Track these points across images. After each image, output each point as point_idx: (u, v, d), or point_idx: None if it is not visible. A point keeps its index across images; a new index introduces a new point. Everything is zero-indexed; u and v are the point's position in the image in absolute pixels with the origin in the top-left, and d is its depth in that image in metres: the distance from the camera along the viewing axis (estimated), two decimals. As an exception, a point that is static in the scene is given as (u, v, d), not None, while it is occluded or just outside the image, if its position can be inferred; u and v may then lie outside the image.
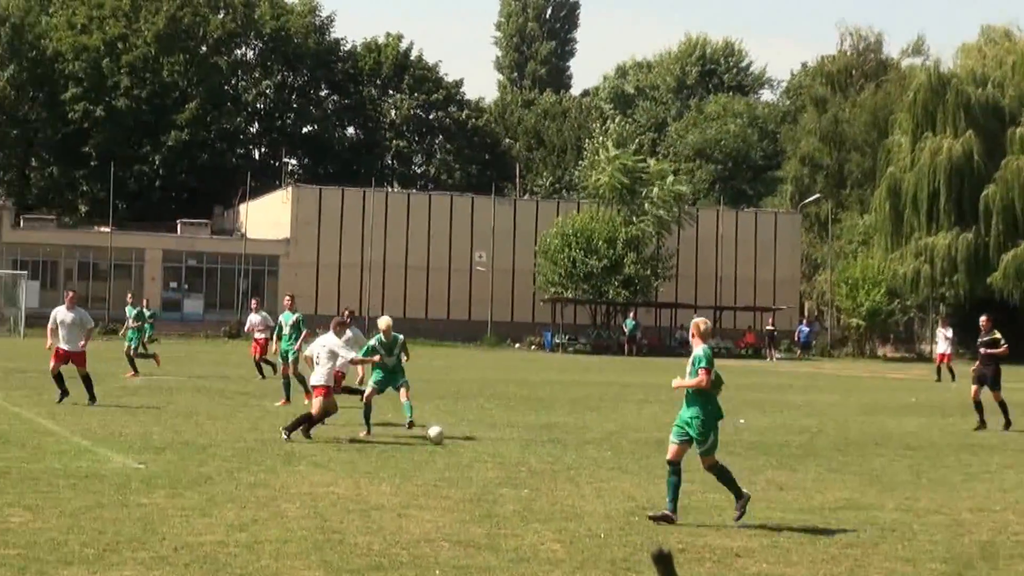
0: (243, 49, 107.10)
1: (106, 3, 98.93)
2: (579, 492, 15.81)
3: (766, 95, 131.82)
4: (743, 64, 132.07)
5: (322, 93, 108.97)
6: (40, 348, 35.55)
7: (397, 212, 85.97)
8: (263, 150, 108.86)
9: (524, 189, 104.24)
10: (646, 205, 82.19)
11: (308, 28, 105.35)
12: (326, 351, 21.07)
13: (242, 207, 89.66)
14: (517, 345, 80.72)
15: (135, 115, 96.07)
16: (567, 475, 17.40)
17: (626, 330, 76.08)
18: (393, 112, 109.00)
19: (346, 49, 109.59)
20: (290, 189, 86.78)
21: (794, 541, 12.87)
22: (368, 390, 22.02)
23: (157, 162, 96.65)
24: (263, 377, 34.52)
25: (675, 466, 13.65)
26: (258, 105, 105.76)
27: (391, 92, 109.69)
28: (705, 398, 13.89)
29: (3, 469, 15.54)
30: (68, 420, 22.10)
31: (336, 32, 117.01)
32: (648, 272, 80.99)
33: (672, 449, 13.78)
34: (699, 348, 14.03)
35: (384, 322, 22.94)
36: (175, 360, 44.96)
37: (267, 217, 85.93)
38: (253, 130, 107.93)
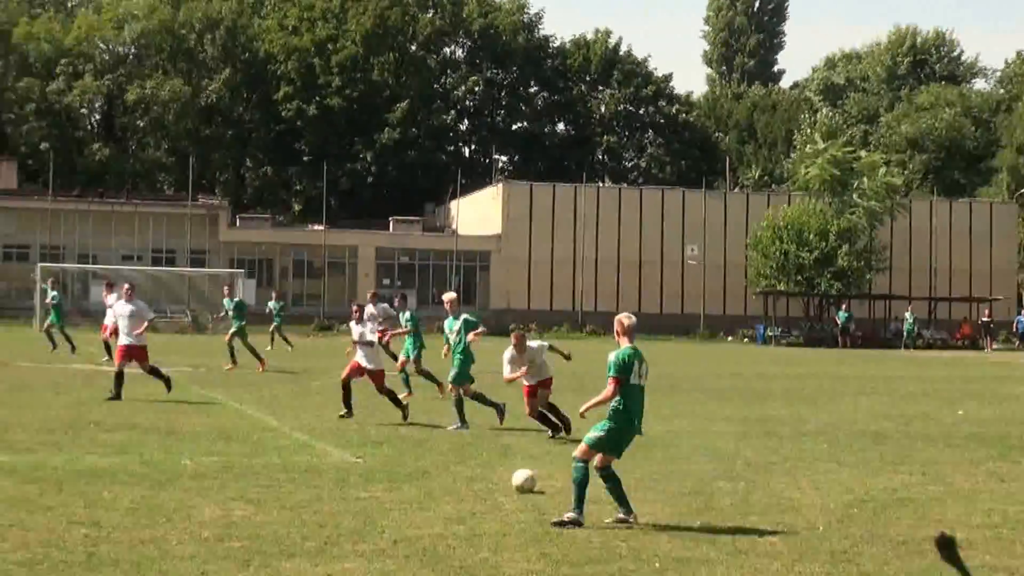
0: (452, 47, 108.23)
1: (316, 5, 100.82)
2: (796, 485, 15.61)
3: (979, 84, 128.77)
4: (955, 54, 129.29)
5: (531, 90, 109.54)
6: (256, 343, 36.39)
7: (608, 207, 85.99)
8: (473, 147, 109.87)
9: (734, 182, 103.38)
10: (855, 196, 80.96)
11: (516, 25, 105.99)
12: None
13: (453, 204, 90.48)
14: (730, 338, 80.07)
15: (347, 114, 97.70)
16: (784, 468, 17.21)
17: (839, 322, 74.81)
18: (603, 108, 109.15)
19: (555, 46, 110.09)
20: (500, 185, 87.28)
21: (1017, 533, 12.61)
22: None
23: (369, 160, 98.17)
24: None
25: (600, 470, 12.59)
26: (467, 102, 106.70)
27: (600, 88, 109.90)
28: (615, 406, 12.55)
29: (226, 464, 15.83)
30: (288, 416, 22.47)
31: (544, 29, 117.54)
32: (861, 264, 79.72)
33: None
34: (616, 351, 12.68)
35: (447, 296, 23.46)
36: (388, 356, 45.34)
37: (478, 214, 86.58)
38: (463, 127, 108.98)
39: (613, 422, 12.47)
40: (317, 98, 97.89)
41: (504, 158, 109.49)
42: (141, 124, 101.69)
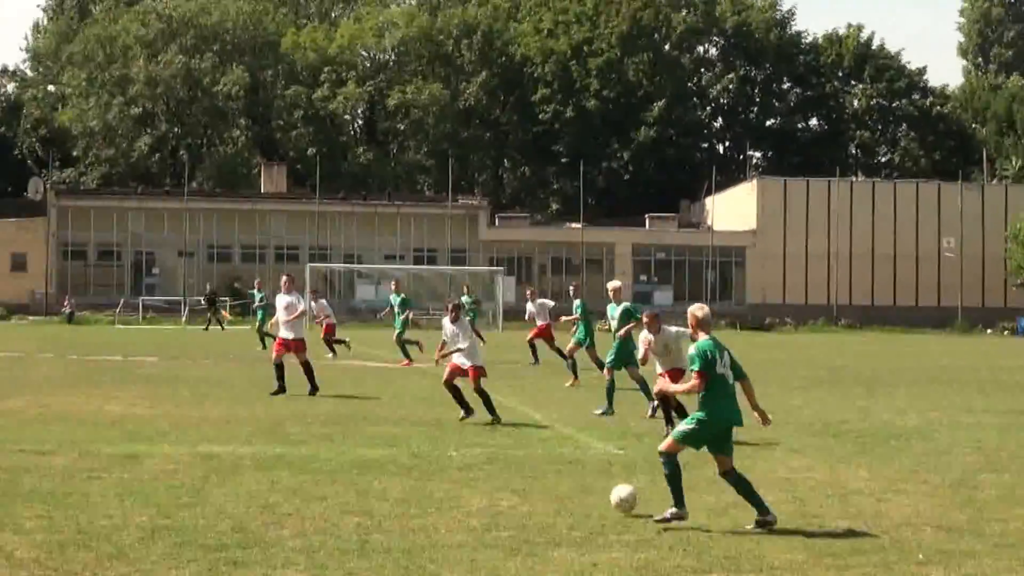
0: (705, 46, 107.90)
1: (570, 8, 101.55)
2: (1066, 478, 15.24)
3: None
4: None
5: (784, 86, 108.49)
6: (515, 340, 36.98)
7: (862, 201, 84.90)
8: (727, 144, 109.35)
9: (992, 174, 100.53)
10: None
11: (769, 22, 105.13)
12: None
13: (708, 200, 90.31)
14: (989, 331, 78.09)
15: (603, 114, 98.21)
16: (1050, 460, 16.81)
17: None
18: (855, 102, 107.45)
19: (807, 42, 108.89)
20: (755, 181, 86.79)
21: None
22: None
23: (625, 158, 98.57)
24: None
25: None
26: (721, 100, 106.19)
27: (853, 82, 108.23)
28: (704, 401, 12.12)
29: (491, 455, 16.19)
30: (550, 409, 22.73)
31: (797, 25, 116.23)
32: None
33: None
34: (696, 344, 12.22)
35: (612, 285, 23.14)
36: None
37: (733, 209, 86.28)
38: (717, 124, 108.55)
39: (703, 415, 12.07)
40: (574, 100, 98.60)
41: (758, 154, 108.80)
42: (402, 128, 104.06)
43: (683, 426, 12.30)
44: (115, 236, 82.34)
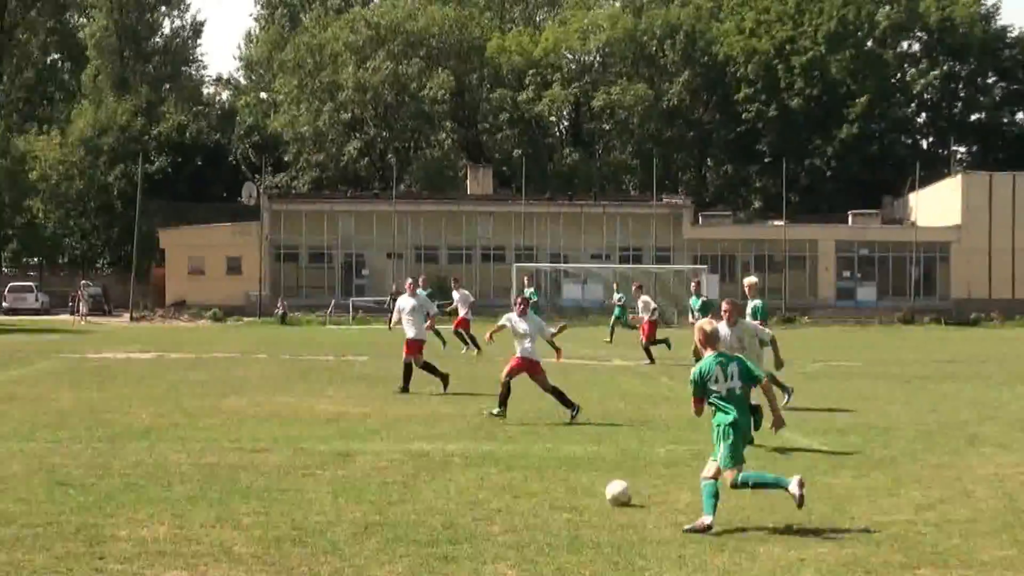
0: (909, 41, 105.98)
1: (771, 8, 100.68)
2: None
3: None
4: None
5: (989, 80, 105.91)
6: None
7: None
8: (931, 139, 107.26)
9: None
10: None
11: (973, 17, 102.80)
12: None
13: (911, 196, 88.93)
14: None
15: (806, 112, 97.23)
16: None
17: None
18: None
19: (1012, 36, 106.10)
20: (959, 176, 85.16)
21: None
22: None
23: (828, 155, 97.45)
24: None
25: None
26: (925, 95, 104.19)
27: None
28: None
29: (696, 452, 16.18)
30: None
31: (1002, 19, 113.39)
32: None
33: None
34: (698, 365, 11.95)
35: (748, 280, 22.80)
36: (850, 347, 45.04)
37: (936, 205, 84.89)
38: (920, 120, 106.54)
39: (726, 436, 11.73)
40: (776, 98, 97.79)
41: (962, 149, 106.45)
42: (607, 128, 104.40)
43: (723, 450, 11.76)
44: (326, 239, 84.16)
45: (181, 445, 16.54)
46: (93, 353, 36.75)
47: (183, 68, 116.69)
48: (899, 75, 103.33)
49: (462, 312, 37.61)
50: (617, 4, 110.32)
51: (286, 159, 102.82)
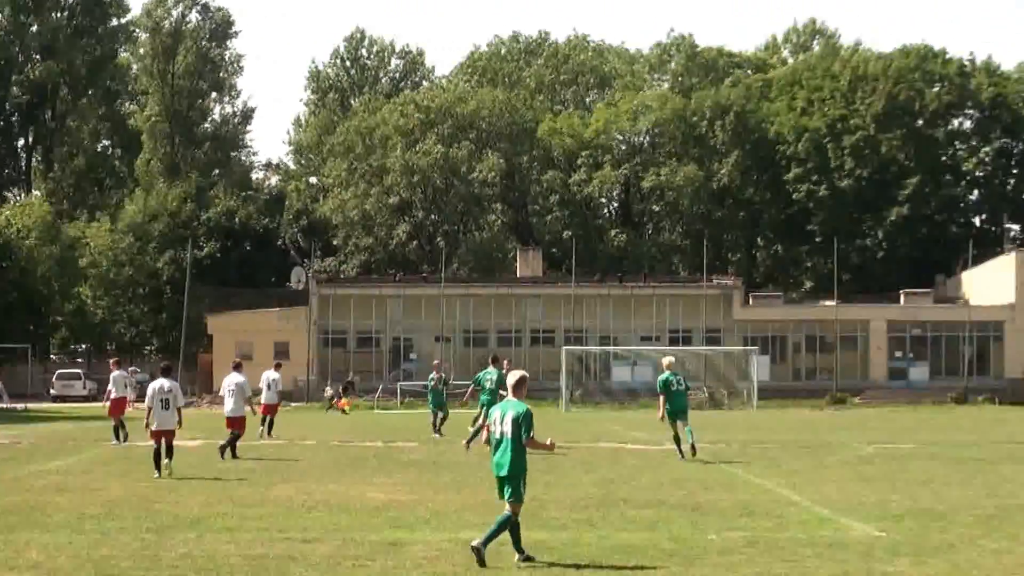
0: (960, 119, 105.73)
1: (824, 86, 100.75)
2: None
3: None
4: None
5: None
6: (771, 418, 36.53)
7: None
8: (983, 217, 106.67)
9: None
10: None
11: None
12: None
13: (964, 275, 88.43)
14: None
15: (856, 192, 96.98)
16: None
17: None
18: None
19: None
20: (1013, 254, 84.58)
21: None
22: None
23: (880, 235, 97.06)
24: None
25: None
26: (977, 173, 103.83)
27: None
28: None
29: (751, 539, 16.16)
30: (808, 490, 22.54)
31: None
32: None
33: None
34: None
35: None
36: (903, 428, 44.60)
37: (990, 283, 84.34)
38: (972, 197, 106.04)
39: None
40: (829, 178, 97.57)
41: (1016, 227, 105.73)
42: (656, 209, 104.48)
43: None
44: (374, 323, 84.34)
45: (230, 536, 16.48)
46: (141, 441, 36.73)
47: (232, 154, 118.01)
48: (951, 152, 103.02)
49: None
50: (666, 85, 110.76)
51: (335, 243, 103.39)
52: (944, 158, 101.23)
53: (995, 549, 15.27)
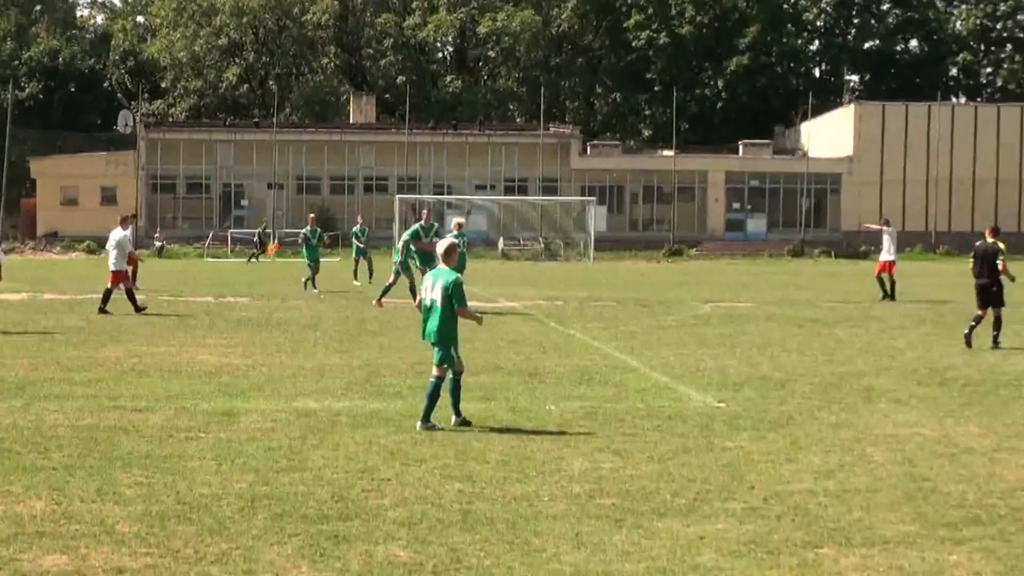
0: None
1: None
2: None
3: None
4: None
5: (883, 7, 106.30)
6: (607, 271, 36.44)
7: (963, 126, 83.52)
8: (823, 68, 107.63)
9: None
10: None
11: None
12: None
13: (803, 126, 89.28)
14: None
15: (697, 41, 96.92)
16: None
17: None
18: (958, 23, 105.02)
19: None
20: (852, 106, 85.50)
21: None
22: None
23: (719, 85, 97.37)
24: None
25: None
26: (818, 23, 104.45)
27: (955, 3, 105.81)
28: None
29: (590, 410, 15.88)
30: (646, 354, 22.37)
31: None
32: None
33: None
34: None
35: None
36: (740, 284, 44.99)
37: (829, 135, 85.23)
38: (813, 48, 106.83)
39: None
40: (667, 26, 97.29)
41: (855, 78, 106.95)
42: (493, 55, 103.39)
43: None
44: (204, 168, 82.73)
45: (58, 404, 15.86)
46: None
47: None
48: (792, 1, 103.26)
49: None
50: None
51: (163, 86, 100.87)
52: (785, 6, 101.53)
53: (833, 423, 15.16)
